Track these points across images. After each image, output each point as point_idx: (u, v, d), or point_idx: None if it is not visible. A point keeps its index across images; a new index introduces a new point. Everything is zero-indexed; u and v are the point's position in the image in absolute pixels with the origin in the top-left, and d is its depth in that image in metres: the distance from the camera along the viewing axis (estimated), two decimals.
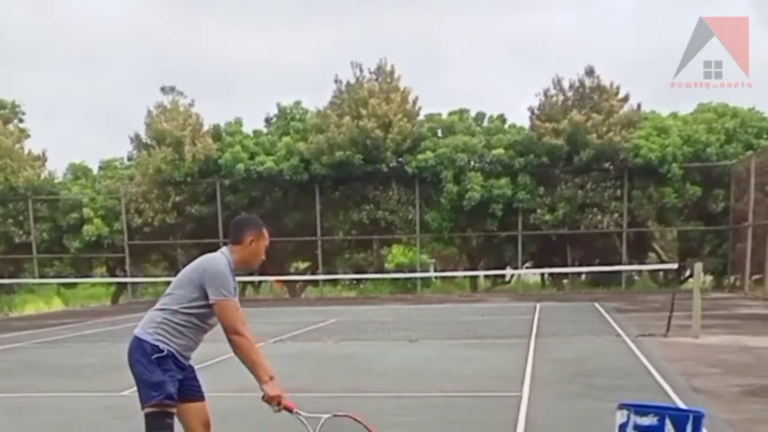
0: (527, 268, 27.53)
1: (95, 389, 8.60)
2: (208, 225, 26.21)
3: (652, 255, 28.97)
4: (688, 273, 23.67)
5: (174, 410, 3.82)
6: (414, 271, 28.07)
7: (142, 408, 3.79)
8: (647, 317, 15.26)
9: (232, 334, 3.78)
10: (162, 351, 3.78)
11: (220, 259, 3.91)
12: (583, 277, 27.13)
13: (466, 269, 27.96)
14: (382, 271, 28.63)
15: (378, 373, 9.38)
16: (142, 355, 3.79)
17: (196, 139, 26.41)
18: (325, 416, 3.85)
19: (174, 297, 3.89)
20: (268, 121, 28.74)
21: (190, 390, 3.94)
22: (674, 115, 26.78)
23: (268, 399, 3.77)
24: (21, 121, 30.60)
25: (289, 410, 3.82)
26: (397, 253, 34.44)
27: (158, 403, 3.74)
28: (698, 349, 10.71)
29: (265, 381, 3.76)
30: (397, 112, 25.25)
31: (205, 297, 3.82)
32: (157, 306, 3.94)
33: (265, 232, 4.07)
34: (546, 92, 25.96)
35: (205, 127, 27.51)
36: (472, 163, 25.57)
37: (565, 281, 27.73)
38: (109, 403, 7.65)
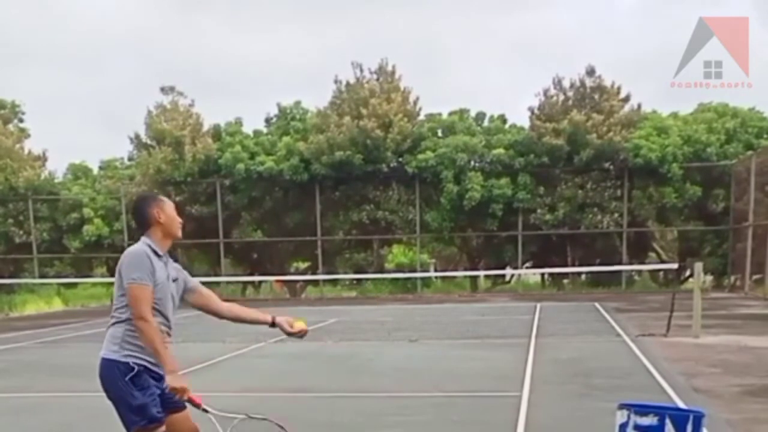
0: (527, 268, 27.51)
1: (95, 389, 8.50)
2: (208, 225, 26.18)
3: (652, 255, 28.95)
4: (688, 273, 23.66)
5: (162, 429, 3.71)
6: (414, 271, 28.06)
7: (128, 431, 3.71)
8: (647, 317, 15.25)
9: (137, 319, 3.64)
10: (133, 369, 3.68)
11: (137, 247, 3.82)
12: (583, 277, 27.09)
13: (466, 269, 27.94)
14: (382, 271, 28.63)
15: (378, 373, 9.38)
16: (115, 376, 3.71)
17: (196, 139, 26.39)
18: (240, 416, 3.68)
19: (122, 305, 3.75)
20: (268, 121, 28.73)
21: (170, 402, 3.80)
22: (674, 115, 26.77)
23: (170, 389, 3.65)
24: (21, 121, 30.62)
25: (196, 405, 3.69)
26: (397, 253, 34.43)
27: (142, 429, 3.65)
28: (698, 349, 10.70)
29: (169, 371, 3.64)
30: (398, 112, 25.21)
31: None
32: (112, 320, 3.80)
33: (162, 197, 4.01)
34: (546, 92, 25.94)
35: (205, 127, 27.50)
36: (472, 163, 25.55)
37: (565, 281, 27.70)
38: (109, 404, 7.61)
